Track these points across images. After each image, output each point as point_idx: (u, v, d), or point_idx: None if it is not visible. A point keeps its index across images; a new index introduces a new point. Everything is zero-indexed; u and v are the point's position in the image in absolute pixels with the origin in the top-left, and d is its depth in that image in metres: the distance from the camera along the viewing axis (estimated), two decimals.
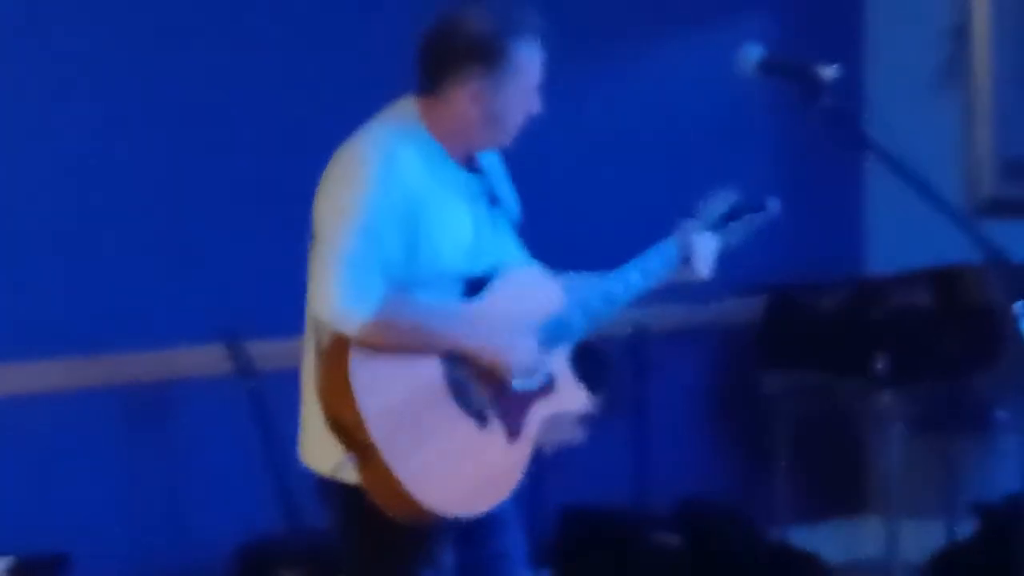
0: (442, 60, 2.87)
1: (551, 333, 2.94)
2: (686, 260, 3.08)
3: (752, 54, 2.90)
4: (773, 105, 4.75)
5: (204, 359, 4.10)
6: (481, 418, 2.84)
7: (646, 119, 4.89)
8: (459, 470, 2.81)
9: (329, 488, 2.85)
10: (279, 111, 4.29)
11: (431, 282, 2.85)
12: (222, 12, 4.23)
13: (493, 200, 2.97)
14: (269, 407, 3.95)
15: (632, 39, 4.84)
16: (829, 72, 2.78)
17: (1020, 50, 5.08)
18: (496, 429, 2.86)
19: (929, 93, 5.19)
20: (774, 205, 3.20)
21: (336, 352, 2.76)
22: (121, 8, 4.11)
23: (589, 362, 3.44)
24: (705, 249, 3.09)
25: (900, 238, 5.09)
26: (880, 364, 4.53)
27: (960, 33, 5.14)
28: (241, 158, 4.26)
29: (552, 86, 2.94)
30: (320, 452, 2.82)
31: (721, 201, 3.17)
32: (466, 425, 2.82)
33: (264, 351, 4.05)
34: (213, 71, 4.21)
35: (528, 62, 2.88)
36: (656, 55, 4.90)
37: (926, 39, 5.20)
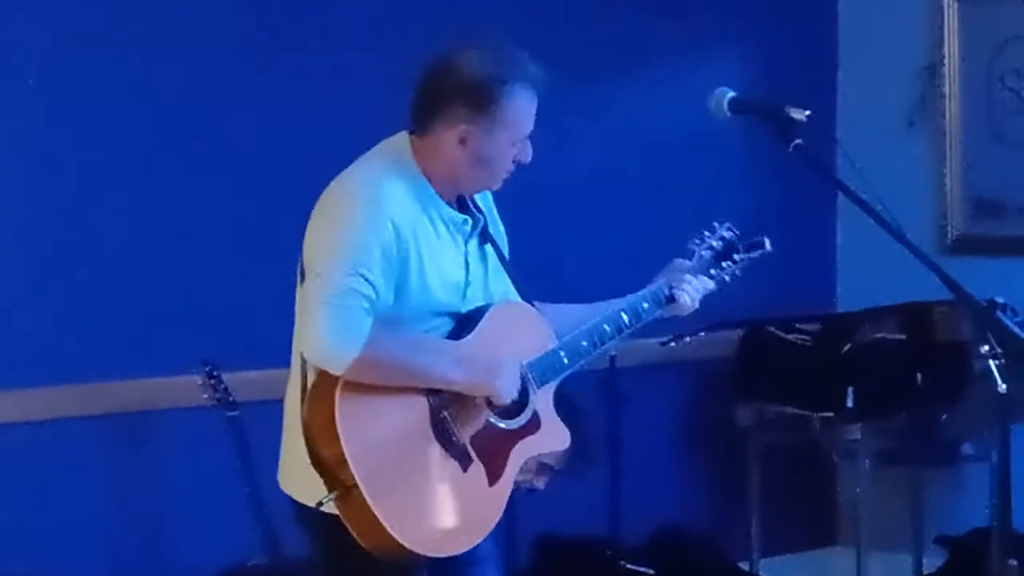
0: (434, 100, 2.86)
1: (539, 370, 2.94)
2: (671, 299, 3.09)
3: (725, 95, 2.95)
4: (747, 144, 4.82)
5: (184, 389, 4.12)
6: (463, 460, 2.84)
7: (623, 158, 4.93)
8: (440, 511, 2.81)
9: (309, 516, 2.84)
10: (261, 144, 4.31)
11: (420, 319, 2.85)
12: (207, 43, 4.27)
13: (484, 238, 2.97)
14: (248, 437, 3.97)
15: (609, 79, 4.89)
16: (800, 114, 2.84)
17: (989, 91, 5.15)
18: (478, 471, 2.86)
19: (900, 133, 5.25)
20: (770, 245, 3.20)
21: (322, 391, 2.76)
22: (109, 38, 4.13)
23: (562, 415, 3.46)
24: (693, 290, 3.09)
25: (871, 275, 5.15)
26: (850, 398, 4.58)
27: (930, 74, 5.21)
28: (223, 190, 4.28)
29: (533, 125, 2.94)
30: (302, 483, 2.82)
31: (716, 239, 3.17)
32: (449, 467, 2.82)
33: (243, 382, 4.08)
34: (197, 103, 4.23)
35: (520, 111, 2.86)
36: (631, 96, 4.95)
37: (897, 79, 5.26)
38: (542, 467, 3.19)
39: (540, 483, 3.32)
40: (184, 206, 4.23)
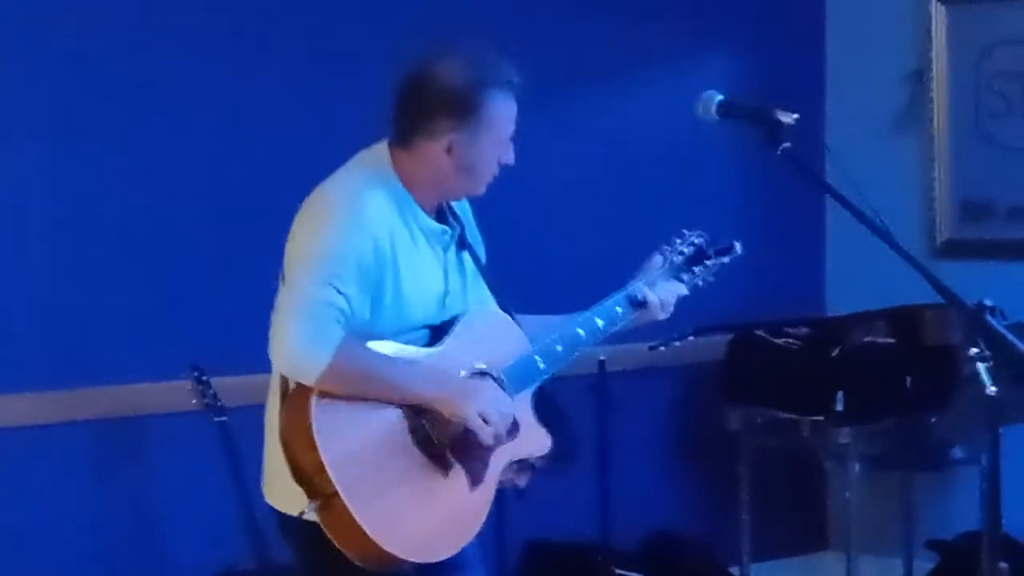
0: (416, 113, 2.86)
1: (515, 377, 2.94)
2: (644, 304, 3.10)
3: (713, 99, 2.96)
4: (736, 149, 4.83)
5: (172, 394, 4.12)
6: (444, 464, 2.84)
7: (612, 162, 4.94)
8: (422, 516, 2.81)
9: (292, 526, 2.84)
10: (248, 150, 4.32)
11: (396, 333, 2.84)
12: (193, 51, 4.26)
13: (462, 246, 2.98)
14: (237, 442, 3.97)
15: (598, 84, 4.90)
16: (788, 118, 2.84)
17: (977, 94, 5.16)
18: (459, 475, 2.86)
19: (888, 137, 5.27)
20: (740, 248, 3.22)
21: (298, 399, 2.76)
22: (98, 42, 4.13)
23: (544, 414, 3.47)
24: (665, 293, 3.10)
25: (860, 279, 5.16)
26: (839, 402, 4.59)
27: (918, 78, 5.22)
28: (211, 195, 4.28)
29: (520, 130, 2.95)
30: (284, 493, 2.81)
31: (687, 244, 3.19)
32: (429, 472, 2.82)
33: (232, 387, 4.07)
34: (185, 110, 4.23)
35: (502, 114, 2.88)
36: (621, 100, 4.96)
37: (885, 84, 5.28)
38: (523, 465, 3.19)
39: (522, 481, 3.33)
40: (172, 211, 4.23)
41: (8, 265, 4.05)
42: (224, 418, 4.04)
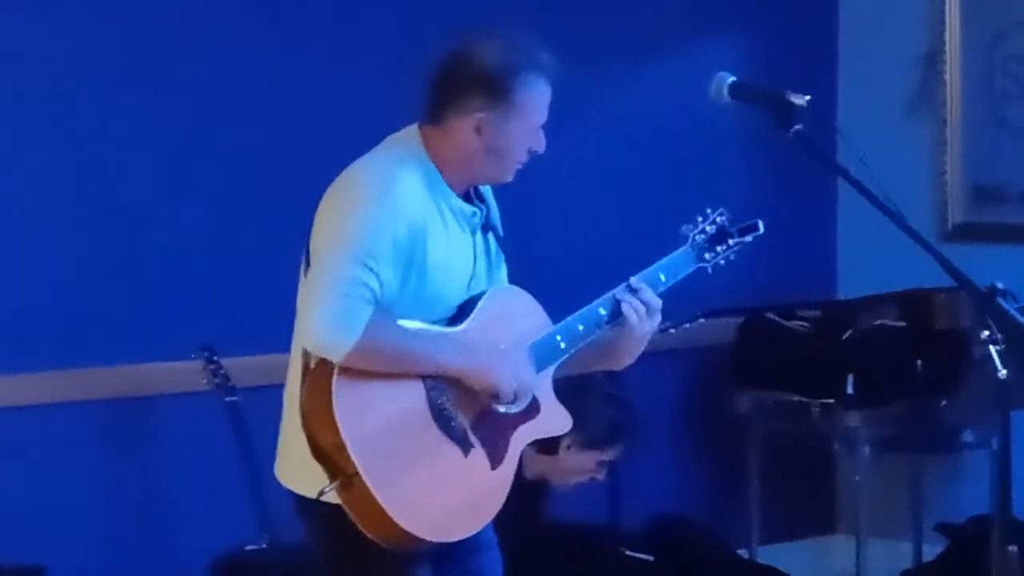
0: (449, 89, 2.87)
1: (537, 355, 2.94)
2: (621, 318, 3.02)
3: (725, 81, 2.96)
4: (747, 131, 4.82)
5: (183, 374, 4.13)
6: (464, 444, 2.84)
7: (623, 144, 4.94)
8: (442, 496, 2.81)
9: (309, 507, 2.84)
10: (263, 129, 4.31)
11: (423, 310, 2.84)
12: (212, 31, 4.26)
13: (490, 230, 2.98)
14: (248, 423, 3.98)
15: (609, 66, 4.89)
16: (800, 100, 2.84)
17: (990, 77, 5.15)
18: (479, 455, 2.85)
19: (900, 120, 5.25)
20: (763, 227, 3.19)
21: (319, 377, 2.76)
22: (115, 31, 4.14)
23: (616, 413, 3.54)
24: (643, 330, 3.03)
25: (871, 262, 5.15)
26: (850, 385, 4.58)
27: (931, 60, 5.21)
28: (223, 174, 4.28)
29: None
30: (301, 474, 2.81)
31: (709, 223, 3.16)
32: (449, 451, 2.82)
33: (243, 367, 4.08)
34: (197, 87, 4.24)
35: (534, 101, 2.88)
36: (632, 82, 4.95)
37: (898, 66, 5.27)
38: (601, 464, 3.51)
39: (600, 475, 3.74)
40: (183, 190, 4.24)
41: (17, 244, 4.06)
42: (235, 398, 4.05)
